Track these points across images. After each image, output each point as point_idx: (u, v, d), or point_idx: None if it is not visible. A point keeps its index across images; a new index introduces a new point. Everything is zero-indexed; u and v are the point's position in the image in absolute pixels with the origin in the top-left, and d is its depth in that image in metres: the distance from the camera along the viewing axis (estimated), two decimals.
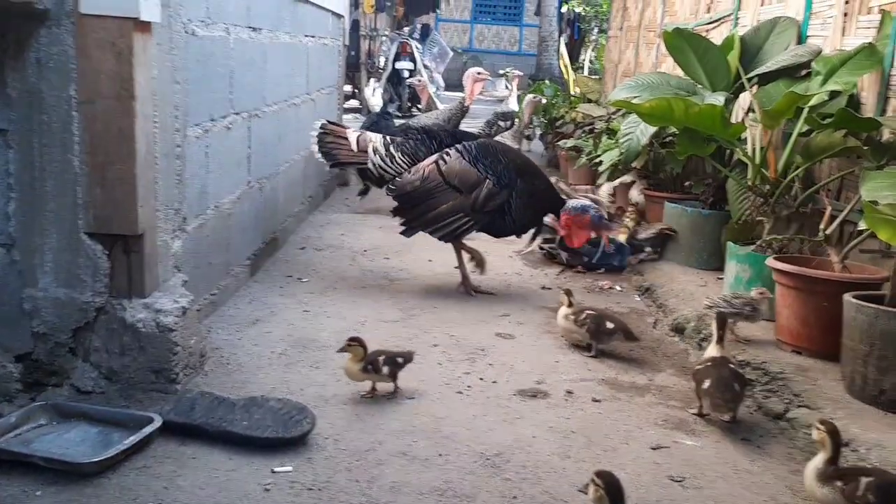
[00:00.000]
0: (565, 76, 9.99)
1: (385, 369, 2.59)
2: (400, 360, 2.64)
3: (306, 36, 4.98)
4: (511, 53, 24.88)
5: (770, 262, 3.22)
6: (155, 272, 2.55)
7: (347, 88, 16.00)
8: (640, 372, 3.12)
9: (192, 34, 2.80)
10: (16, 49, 2.24)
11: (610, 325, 3.23)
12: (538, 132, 9.76)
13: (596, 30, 22.20)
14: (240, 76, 3.45)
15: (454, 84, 22.49)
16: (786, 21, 4.40)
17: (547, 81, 9.64)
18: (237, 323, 3.27)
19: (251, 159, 3.74)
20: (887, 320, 2.54)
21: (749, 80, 4.19)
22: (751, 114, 3.84)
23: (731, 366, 2.71)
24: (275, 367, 2.86)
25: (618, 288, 4.37)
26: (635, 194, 5.47)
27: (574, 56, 23.99)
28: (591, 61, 11.18)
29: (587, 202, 4.22)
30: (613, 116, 6.35)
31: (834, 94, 3.63)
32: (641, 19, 7.98)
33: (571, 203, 4.12)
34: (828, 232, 3.23)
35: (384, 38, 15.08)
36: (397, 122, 7.72)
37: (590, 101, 9.34)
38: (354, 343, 2.63)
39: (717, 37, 5.61)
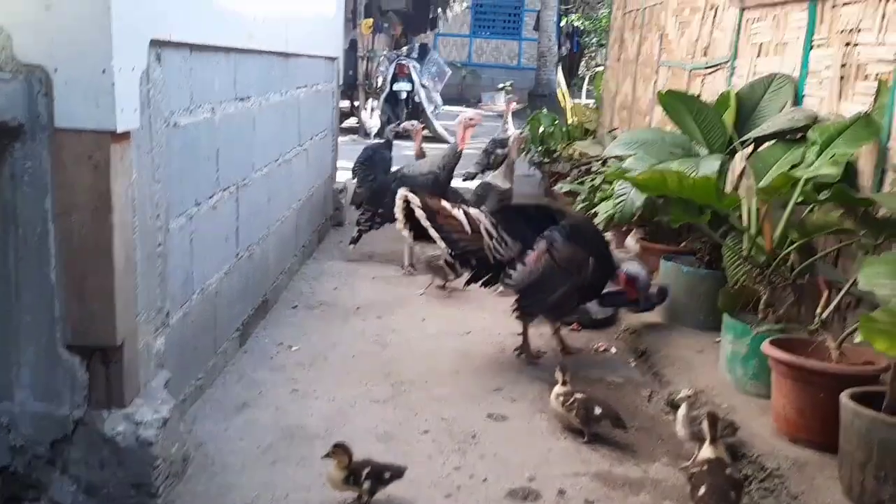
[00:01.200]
0: (562, 104, 9.94)
1: (366, 484, 2.51)
2: (387, 475, 2.57)
3: (298, 88, 4.93)
4: (510, 67, 24.90)
5: (765, 348, 3.15)
6: (135, 379, 2.49)
7: (345, 104, 15.99)
8: (635, 462, 3.05)
9: (174, 126, 2.74)
10: None
11: (598, 410, 3.17)
12: (535, 160, 9.72)
13: (595, 43, 22.23)
14: (226, 151, 3.39)
15: (453, 98, 22.58)
16: (782, 78, 4.35)
17: (545, 110, 9.55)
18: (224, 409, 3.21)
19: (239, 231, 3.68)
20: (886, 429, 2.48)
21: (743, 143, 4.14)
22: (745, 180, 3.77)
23: (727, 471, 2.65)
24: (260, 465, 2.80)
25: (612, 350, 4.31)
26: (631, 243, 5.43)
27: (573, 69, 24.06)
28: (587, 89, 11.11)
29: (639, 268, 4.22)
30: (609, 158, 6.32)
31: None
32: (639, 53, 7.94)
33: (627, 267, 4.16)
34: (824, 316, 3.17)
35: (382, 57, 15.05)
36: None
37: (587, 130, 9.34)
38: (339, 450, 2.56)
39: (712, 82, 5.57)
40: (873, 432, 2.51)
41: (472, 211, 3.91)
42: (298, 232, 5.20)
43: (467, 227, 3.78)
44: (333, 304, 4.75)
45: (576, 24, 22.53)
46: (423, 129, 7.43)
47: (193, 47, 2.87)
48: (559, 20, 23.24)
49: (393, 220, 5.66)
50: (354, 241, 5.76)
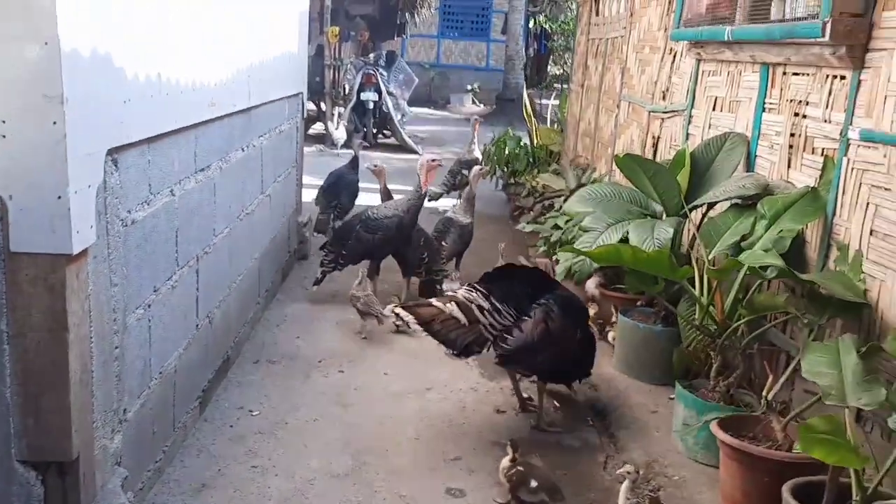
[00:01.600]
0: (529, 124, 10.03)
1: None
2: None
3: (261, 136, 4.93)
4: (479, 69, 24.95)
5: (713, 429, 3.25)
6: (92, 486, 2.51)
7: (311, 106, 15.88)
8: None
9: (132, 224, 2.75)
10: None
11: (534, 483, 3.26)
12: (501, 182, 9.80)
13: (562, 46, 22.34)
14: (186, 227, 3.40)
15: (422, 99, 22.57)
16: (735, 138, 4.45)
17: (510, 131, 9.63)
18: (182, 492, 3.23)
19: (199, 301, 3.69)
20: None
21: (694, 208, 4.25)
22: (696, 251, 3.89)
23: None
24: None
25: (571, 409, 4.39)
26: (591, 286, 5.51)
27: (541, 71, 24.20)
28: (553, 112, 11.22)
29: None
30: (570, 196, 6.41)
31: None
32: (601, 82, 8.03)
33: None
34: (769, 397, 3.28)
35: (349, 65, 14.99)
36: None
37: (552, 153, 9.43)
38: None
39: (671, 126, 5.67)
40: None
41: (461, 294, 3.94)
42: (261, 278, 5.21)
43: (464, 320, 3.82)
44: (295, 356, 4.77)
45: (543, 25, 22.61)
46: (385, 168, 7.36)
47: (152, 139, 2.87)
48: (527, 22, 23.36)
49: (356, 261, 5.74)
50: (318, 282, 5.78)
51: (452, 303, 3.88)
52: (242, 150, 4.42)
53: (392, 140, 15.38)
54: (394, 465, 3.60)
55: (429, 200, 8.80)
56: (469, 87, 24.28)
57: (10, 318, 2.24)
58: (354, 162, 8.23)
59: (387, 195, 6.07)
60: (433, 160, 5.75)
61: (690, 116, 5.27)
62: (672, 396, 4.04)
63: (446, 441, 3.88)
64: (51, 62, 2.05)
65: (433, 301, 4.00)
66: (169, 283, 3.22)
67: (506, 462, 3.36)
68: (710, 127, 4.97)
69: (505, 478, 3.31)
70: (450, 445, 3.84)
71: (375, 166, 6.49)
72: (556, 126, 10.50)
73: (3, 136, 2.10)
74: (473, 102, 24.06)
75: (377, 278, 5.84)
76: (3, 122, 2.09)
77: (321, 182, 8.62)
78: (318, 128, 15.84)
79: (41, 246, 2.18)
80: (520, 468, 3.31)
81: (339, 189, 7.93)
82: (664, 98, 5.88)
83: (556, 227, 5.95)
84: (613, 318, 5.01)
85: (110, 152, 2.49)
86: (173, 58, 3.03)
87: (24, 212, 2.15)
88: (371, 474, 3.51)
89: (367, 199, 7.89)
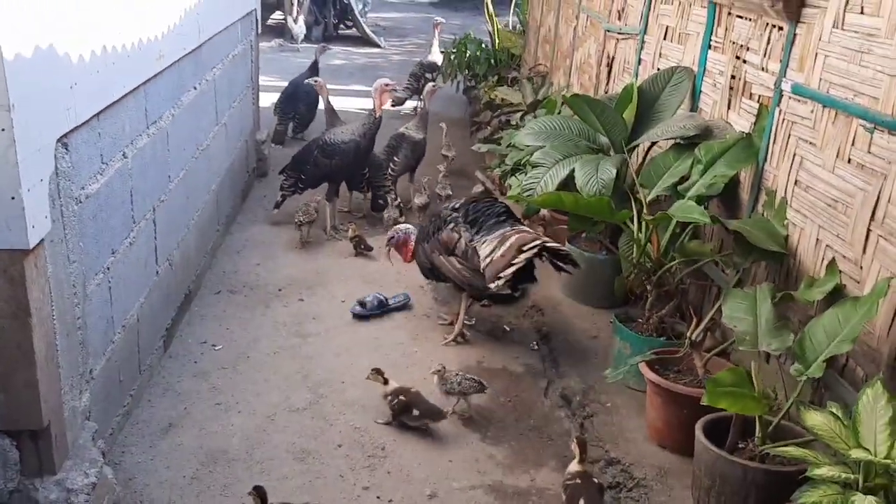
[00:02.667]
0: (490, 26, 9.90)
1: None
2: None
3: (213, 68, 4.92)
4: None
5: (642, 368, 3.54)
6: (64, 445, 2.73)
7: None
8: (524, 469, 3.46)
9: (86, 198, 2.85)
10: None
11: (416, 412, 3.61)
12: (461, 87, 9.77)
13: None
14: (140, 184, 3.50)
15: None
16: (682, 72, 4.56)
17: (471, 34, 9.51)
18: (150, 432, 3.48)
19: (158, 248, 3.83)
20: (725, 464, 2.91)
21: (635, 147, 4.41)
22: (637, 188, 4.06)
23: (594, 481, 3.12)
24: (186, 499, 3.10)
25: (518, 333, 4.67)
26: (543, 210, 5.70)
27: None
28: (514, 13, 11.01)
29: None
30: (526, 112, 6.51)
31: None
32: None
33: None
34: (692, 337, 3.56)
35: None
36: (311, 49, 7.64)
37: (513, 55, 9.38)
38: (254, 492, 2.89)
39: (625, 48, 5.72)
40: (716, 465, 2.95)
41: (444, 235, 4.40)
42: (220, 207, 5.32)
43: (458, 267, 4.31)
44: (255, 285, 4.96)
45: None
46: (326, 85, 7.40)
47: (101, 112, 2.93)
48: None
49: (315, 185, 5.86)
50: (278, 205, 5.91)
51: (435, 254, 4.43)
52: (194, 88, 4.44)
53: (353, 31, 15.06)
54: (349, 397, 3.87)
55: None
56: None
57: None
58: (314, 68, 8.16)
59: (331, 112, 6.09)
60: (387, 84, 5.77)
61: (643, 42, 5.33)
62: (611, 321, 4.32)
63: (399, 371, 4.14)
64: None
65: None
66: (126, 241, 3.35)
67: (386, 390, 3.70)
68: (660, 56, 5.05)
69: (388, 406, 3.67)
70: (402, 375, 4.10)
71: (316, 81, 6.48)
72: (518, 28, 10.36)
73: None
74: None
75: (336, 200, 5.97)
76: None
77: (281, 83, 8.57)
78: (277, 17, 15.42)
79: None
80: (401, 397, 3.64)
81: (298, 99, 7.92)
82: (619, 18, 5.90)
83: (512, 146, 6.06)
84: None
85: (60, 139, 2.57)
86: (118, 23, 3.04)
87: None
88: (328, 407, 3.79)
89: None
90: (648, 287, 4.03)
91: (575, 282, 4.93)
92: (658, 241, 3.96)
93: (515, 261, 3.98)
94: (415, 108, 8.48)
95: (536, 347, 4.52)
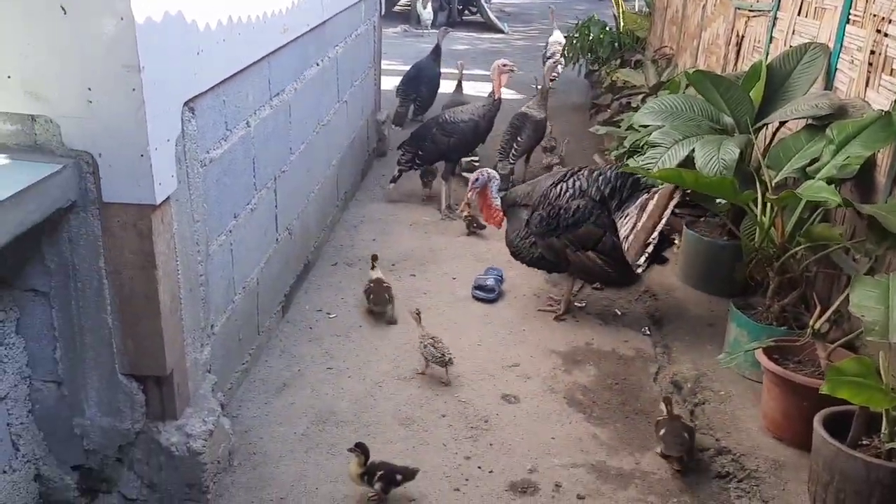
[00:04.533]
0: (615, 8, 9.69)
1: (377, 486, 2.91)
2: (399, 477, 2.96)
3: (335, 47, 5.06)
4: None
5: (759, 356, 3.39)
6: (185, 393, 2.90)
7: None
8: (629, 452, 3.39)
9: (210, 162, 3.00)
10: (50, 230, 2.51)
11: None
12: (583, 71, 9.63)
13: None
14: (262, 153, 3.64)
15: None
16: (816, 49, 4.30)
17: (595, 16, 9.34)
18: (266, 390, 3.63)
19: (278, 217, 3.98)
20: (847, 460, 2.75)
21: (762, 126, 4.20)
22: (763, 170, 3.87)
23: (682, 421, 3.25)
24: (296, 454, 3.23)
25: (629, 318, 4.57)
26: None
27: None
28: None
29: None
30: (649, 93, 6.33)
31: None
32: None
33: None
34: (816, 326, 3.37)
35: None
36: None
37: (637, 38, 9.15)
38: (358, 449, 2.96)
39: (756, 27, 5.47)
40: (836, 460, 2.78)
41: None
42: (339, 183, 5.47)
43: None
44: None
45: None
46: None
47: (226, 80, 3.07)
48: None
49: (431, 162, 5.93)
50: (394, 179, 6.02)
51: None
52: (317, 64, 4.57)
53: (478, 17, 15.09)
54: (456, 369, 3.90)
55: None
56: None
57: (107, 258, 2.56)
58: (437, 52, 8.24)
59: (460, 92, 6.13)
60: (504, 65, 5.76)
61: (775, 18, 5.07)
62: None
63: (507, 347, 4.15)
64: (127, 35, 2.25)
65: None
66: (248, 207, 3.51)
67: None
68: (793, 33, 4.79)
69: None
70: (510, 352, 4.10)
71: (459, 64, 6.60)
72: (643, 10, 10.08)
73: (90, 102, 2.34)
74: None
75: (451, 179, 6.03)
76: (90, 89, 2.32)
77: (404, 67, 8.73)
78: (403, 3, 15.67)
79: (128, 197, 2.46)
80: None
81: (420, 82, 8.02)
82: None
83: (631, 128, 5.92)
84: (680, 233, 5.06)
85: (186, 103, 2.71)
86: None
87: (113, 168, 2.42)
88: (434, 379, 3.83)
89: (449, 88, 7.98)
90: (771, 274, 3.84)
91: (692, 267, 4.77)
92: (783, 224, 3.77)
93: (654, 234, 3.92)
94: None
95: (648, 333, 4.40)
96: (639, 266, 3.99)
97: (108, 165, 2.42)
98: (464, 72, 7.81)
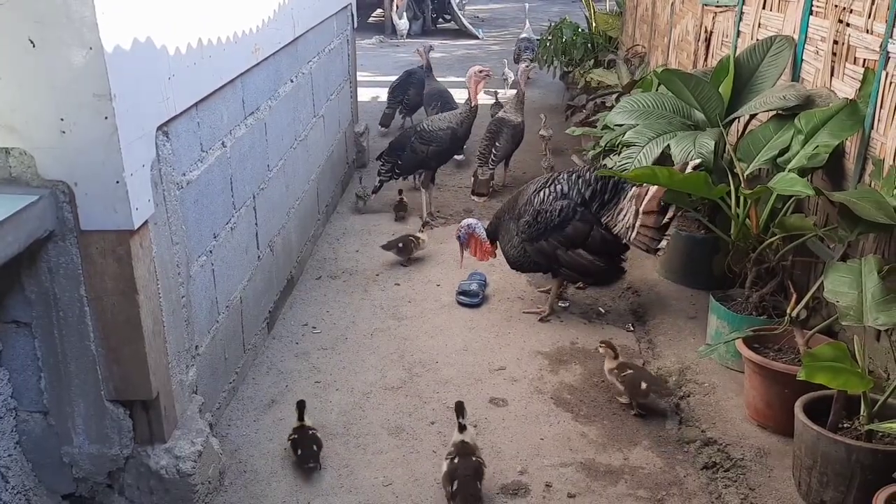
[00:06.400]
0: (587, 9, 9.78)
1: None
2: None
3: (309, 62, 5.09)
4: None
5: (739, 346, 3.44)
6: (172, 415, 2.91)
7: None
8: (618, 448, 3.43)
9: (187, 185, 3.02)
10: (29, 261, 2.53)
11: (644, 384, 3.63)
12: (558, 72, 9.69)
13: None
14: (240, 172, 3.66)
15: None
16: (781, 42, 4.37)
17: (567, 18, 9.42)
18: (255, 408, 3.65)
19: (259, 234, 4.00)
20: (828, 444, 2.80)
21: (732, 120, 4.27)
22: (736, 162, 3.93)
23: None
24: (287, 470, 3.24)
25: (613, 315, 4.61)
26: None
27: None
28: None
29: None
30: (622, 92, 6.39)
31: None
32: None
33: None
34: (793, 313, 3.42)
35: None
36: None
37: (610, 38, 9.23)
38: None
39: (723, 21, 5.54)
40: (818, 444, 2.84)
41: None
42: (320, 196, 5.49)
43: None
44: (354, 271, 5.10)
45: None
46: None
47: (199, 102, 3.10)
48: None
49: (411, 171, 5.97)
50: (376, 190, 6.06)
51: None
52: (291, 81, 4.60)
53: (452, 25, 15.17)
54: (443, 376, 3.93)
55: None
56: None
57: (88, 285, 2.57)
58: (429, 68, 8.35)
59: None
60: (480, 71, 5.80)
61: (741, 13, 5.14)
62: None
63: (492, 351, 4.18)
64: (97, 65, 2.27)
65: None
66: (227, 226, 3.53)
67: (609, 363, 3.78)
68: (759, 26, 4.86)
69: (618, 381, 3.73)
70: (496, 355, 4.14)
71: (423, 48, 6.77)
72: (615, 10, 10.18)
73: (63, 132, 2.36)
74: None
75: (432, 187, 6.06)
76: (62, 119, 2.34)
77: (381, 78, 8.88)
78: (378, 14, 15.73)
79: (106, 224, 2.48)
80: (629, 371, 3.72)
81: (409, 85, 8.16)
82: None
83: (607, 127, 5.98)
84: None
85: (160, 127, 2.73)
86: (213, 17, 3.20)
87: (89, 196, 2.44)
88: (422, 386, 3.86)
89: None
90: (748, 265, 3.90)
91: (672, 262, 4.83)
92: (757, 217, 3.82)
93: (669, 216, 4.06)
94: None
95: (632, 329, 4.46)
96: (659, 249, 4.12)
97: (84, 194, 2.44)
98: (439, 79, 7.92)
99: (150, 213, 2.63)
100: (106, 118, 2.34)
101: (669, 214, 4.07)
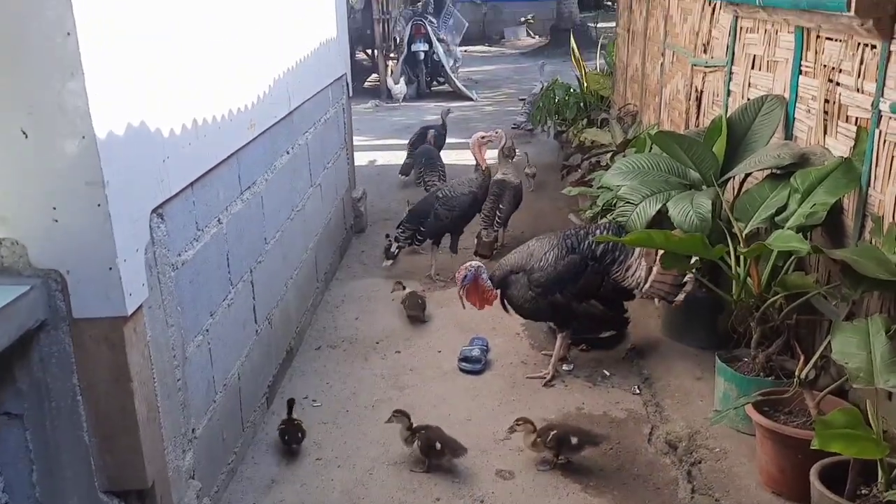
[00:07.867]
0: (578, 70, 9.92)
1: None
2: None
3: (305, 133, 5.11)
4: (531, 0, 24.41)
5: (749, 411, 3.37)
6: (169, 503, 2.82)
7: (362, 56, 16.03)
8: None
9: (182, 265, 2.99)
10: (21, 351, 2.48)
11: (438, 445, 3.64)
12: (552, 132, 9.79)
13: None
14: (236, 248, 3.64)
15: (475, 38, 22.34)
16: (773, 101, 4.40)
17: (559, 80, 9.56)
18: (254, 489, 3.55)
19: (256, 307, 3.96)
20: None
21: (727, 180, 4.28)
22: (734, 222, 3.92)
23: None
24: None
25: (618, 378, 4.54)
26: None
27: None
28: (601, 55, 11.01)
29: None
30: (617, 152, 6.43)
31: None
32: (646, 28, 7.87)
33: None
34: (802, 375, 3.36)
35: (398, 17, 15.01)
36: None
37: (602, 98, 9.34)
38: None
39: (714, 81, 5.60)
40: None
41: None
42: (318, 265, 5.46)
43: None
44: (354, 339, 5.04)
45: None
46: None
47: (195, 181, 3.09)
48: None
49: (434, 237, 6.03)
50: (392, 256, 6.08)
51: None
52: (287, 152, 4.61)
53: (446, 87, 15.38)
54: None
55: (512, 128, 10.02)
56: (522, 20, 23.89)
57: (80, 374, 2.52)
58: (444, 127, 8.84)
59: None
60: (482, 137, 5.90)
61: (731, 73, 5.19)
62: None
63: (497, 421, 4.10)
64: (89, 153, 2.26)
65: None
66: (224, 303, 3.49)
67: (403, 431, 3.76)
68: (749, 85, 4.90)
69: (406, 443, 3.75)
70: (501, 424, 4.05)
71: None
72: (605, 70, 10.34)
73: (55, 221, 2.34)
74: (528, 34, 23.68)
75: (436, 249, 6.11)
76: (54, 208, 2.33)
77: (377, 142, 9.16)
78: (373, 79, 15.96)
79: (99, 311, 2.44)
80: (421, 431, 3.71)
81: (426, 137, 8.51)
82: (705, 51, 5.79)
83: (602, 187, 6.00)
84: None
85: (154, 210, 2.72)
86: (209, 97, 3.22)
87: (82, 283, 2.40)
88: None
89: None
90: (752, 324, 3.85)
91: (674, 322, 4.78)
92: (758, 275, 3.79)
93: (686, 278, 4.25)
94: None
95: (638, 392, 4.38)
96: (677, 299, 4.29)
97: (76, 281, 2.41)
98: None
99: (144, 298, 2.59)
100: (98, 205, 2.32)
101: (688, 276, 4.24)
